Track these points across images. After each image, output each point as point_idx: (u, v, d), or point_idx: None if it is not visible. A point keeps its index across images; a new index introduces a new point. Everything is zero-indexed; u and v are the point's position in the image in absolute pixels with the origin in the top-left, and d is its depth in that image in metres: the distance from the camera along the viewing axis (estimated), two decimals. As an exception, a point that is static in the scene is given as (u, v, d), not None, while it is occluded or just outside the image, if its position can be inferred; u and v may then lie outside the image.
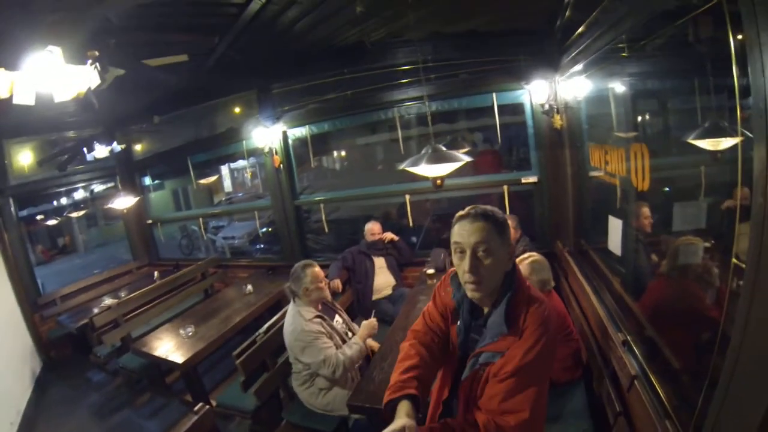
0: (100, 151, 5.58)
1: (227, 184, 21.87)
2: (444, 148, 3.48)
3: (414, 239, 5.78)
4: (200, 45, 4.15)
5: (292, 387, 3.44)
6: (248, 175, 19.95)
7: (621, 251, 3.10)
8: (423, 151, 3.49)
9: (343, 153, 15.40)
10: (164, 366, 4.43)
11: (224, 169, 20.60)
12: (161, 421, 4.45)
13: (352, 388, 3.04)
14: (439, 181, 3.77)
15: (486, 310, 1.75)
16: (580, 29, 3.36)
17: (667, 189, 2.71)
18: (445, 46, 4.66)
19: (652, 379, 2.12)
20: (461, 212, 1.69)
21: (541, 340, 1.54)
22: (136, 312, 5.33)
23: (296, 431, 3.22)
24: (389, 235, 5.14)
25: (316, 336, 3.06)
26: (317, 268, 3.32)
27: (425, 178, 3.82)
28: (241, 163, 18.85)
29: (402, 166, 3.56)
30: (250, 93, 5.90)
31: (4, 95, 2.62)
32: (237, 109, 6.44)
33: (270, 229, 8.91)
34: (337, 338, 3.22)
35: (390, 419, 1.60)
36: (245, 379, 3.30)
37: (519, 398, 1.50)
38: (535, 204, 4.89)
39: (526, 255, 3.14)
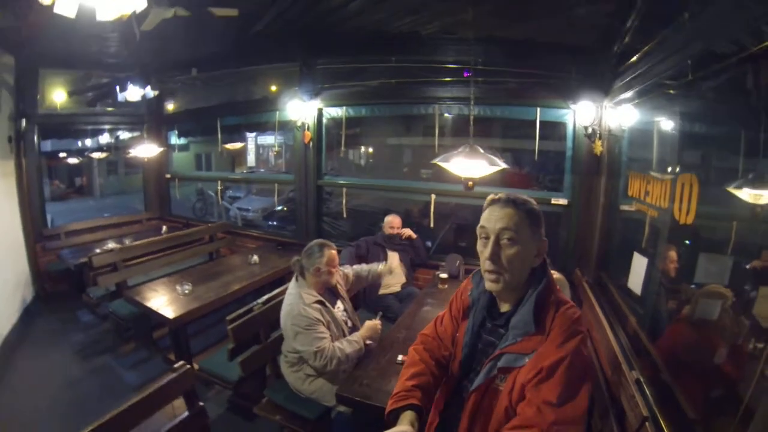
0: (133, 93, 5.48)
1: (251, 159, 21.80)
2: (481, 150, 3.33)
3: (429, 243, 5.59)
4: (254, 4, 4.04)
5: (278, 365, 3.30)
6: (273, 153, 19.87)
7: (641, 291, 2.96)
8: (460, 148, 3.36)
9: (371, 149, 15.20)
10: (154, 319, 4.30)
11: (250, 144, 20.55)
12: (141, 373, 4.37)
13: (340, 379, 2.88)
14: (470, 183, 3.63)
15: (506, 308, 1.58)
16: (637, 56, 3.21)
17: (687, 242, 2.58)
18: (496, 51, 4.48)
19: (663, 424, 1.96)
20: (493, 196, 1.56)
21: (575, 338, 1.39)
22: (136, 260, 5.23)
23: (277, 411, 3.05)
24: (408, 232, 4.98)
25: (313, 323, 2.87)
26: (335, 251, 3.16)
27: (456, 179, 3.68)
28: (267, 140, 18.94)
29: (436, 160, 3.44)
30: (293, 65, 5.73)
31: (47, 2, 2.50)
32: (276, 79, 6.33)
33: (285, 208, 8.80)
34: (334, 328, 3.02)
35: (391, 427, 1.49)
36: (234, 346, 3.15)
37: (570, 407, 1.31)
38: (561, 227, 4.70)
39: None
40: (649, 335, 2.73)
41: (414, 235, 5.00)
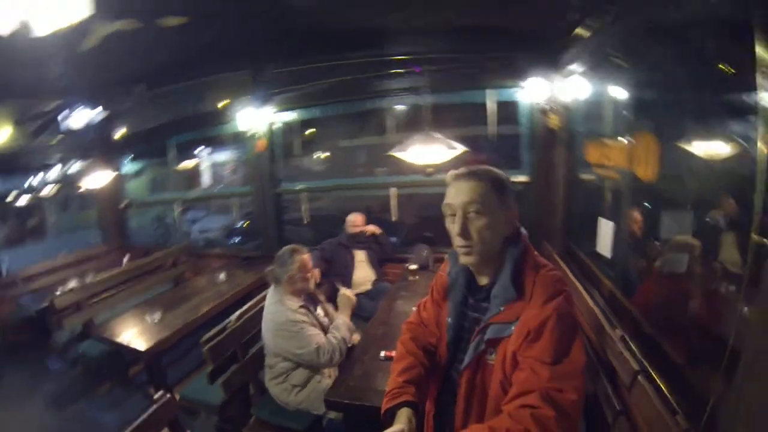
0: (77, 118, 5.22)
1: (206, 178, 21.38)
2: (438, 135, 3.31)
3: (393, 239, 5.54)
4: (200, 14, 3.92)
5: (261, 381, 3.21)
6: (228, 170, 19.52)
7: (611, 253, 3.01)
8: (416, 136, 3.33)
9: (324, 154, 15.10)
10: (127, 355, 4.16)
11: (204, 163, 20.16)
12: (121, 413, 4.20)
13: (327, 384, 2.83)
14: (429, 169, 3.60)
15: (485, 281, 1.57)
16: (583, 28, 3.28)
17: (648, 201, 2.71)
18: (445, 40, 4.43)
19: (655, 375, 2.00)
20: (454, 171, 1.58)
21: (558, 296, 1.37)
22: (101, 296, 5.05)
23: (266, 428, 2.97)
24: (372, 228, 4.93)
25: (303, 324, 2.84)
26: (306, 256, 3.08)
27: (415, 170, 3.64)
28: (221, 157, 18.62)
29: (392, 151, 3.40)
30: (244, 73, 5.60)
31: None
32: (228, 89, 6.13)
33: (246, 224, 8.63)
34: (320, 330, 2.97)
35: (388, 426, 1.44)
36: (213, 368, 3.04)
37: (565, 363, 1.29)
38: (523, 204, 4.69)
39: None
40: (625, 294, 2.78)
41: (378, 231, 4.96)
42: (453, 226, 1.48)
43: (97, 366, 4.57)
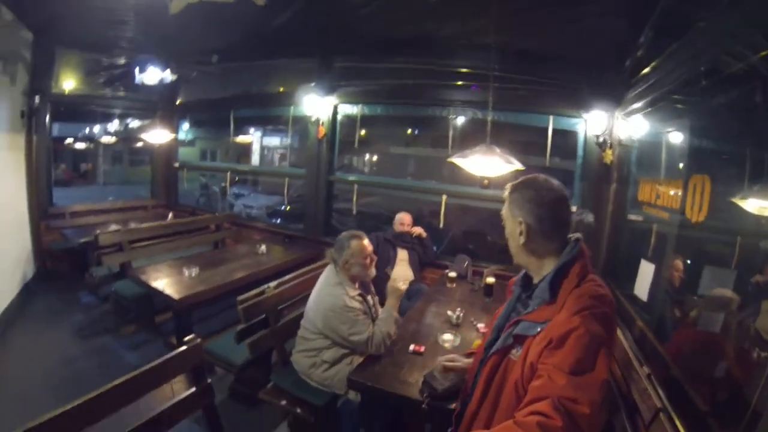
0: (151, 75, 5.39)
1: (255, 159, 21.75)
2: (498, 150, 3.30)
3: (434, 247, 5.53)
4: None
5: (286, 351, 3.23)
6: (278, 155, 19.79)
7: (647, 297, 2.97)
8: (477, 147, 3.32)
9: (375, 158, 15.13)
10: (158, 302, 4.25)
11: (255, 144, 20.51)
12: (140, 355, 4.30)
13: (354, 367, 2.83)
14: (486, 181, 3.59)
15: (536, 281, 1.57)
16: (649, 68, 3.33)
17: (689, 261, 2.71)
18: (512, 59, 4.47)
19: (675, 415, 1.93)
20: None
21: (590, 310, 1.31)
22: (142, 243, 5.16)
23: (283, 396, 2.96)
24: (419, 230, 4.93)
25: (359, 313, 2.86)
26: (365, 242, 3.06)
27: (469, 181, 3.63)
28: (273, 141, 18.89)
29: (453, 158, 3.40)
30: (310, 61, 5.77)
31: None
32: (293, 74, 6.27)
33: (288, 208, 8.71)
34: (371, 320, 2.98)
35: None
36: (243, 327, 3.07)
37: (584, 376, 1.22)
38: (570, 235, 4.63)
39: None
40: (657, 337, 2.74)
41: (424, 234, 4.95)
42: None
43: (127, 306, 4.67)
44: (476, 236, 6.06)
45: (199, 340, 2.21)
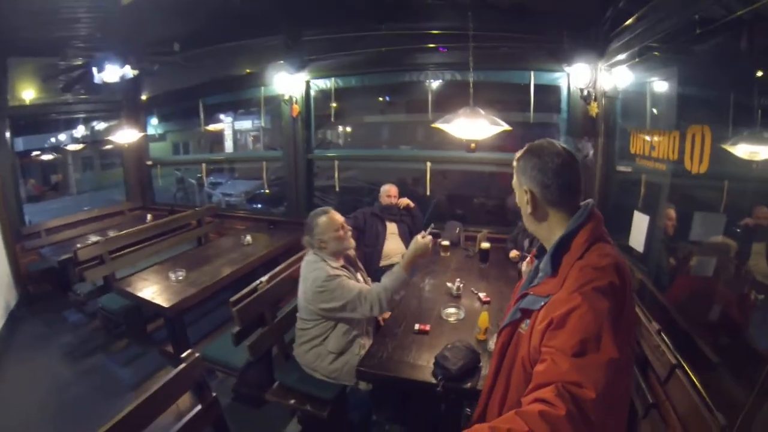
0: (111, 73, 5.11)
1: (228, 145, 21.41)
2: (482, 111, 3.16)
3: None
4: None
5: (287, 346, 3.12)
6: (251, 138, 19.49)
7: (643, 248, 2.95)
8: (461, 110, 3.18)
9: (349, 129, 14.89)
10: (147, 311, 4.11)
11: (227, 129, 20.18)
12: (136, 370, 4.16)
13: (362, 356, 2.72)
14: (473, 144, 3.47)
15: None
16: (633, 19, 3.27)
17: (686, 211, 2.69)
18: (489, 17, 4.30)
19: (691, 371, 1.92)
20: None
21: (590, 284, 1.21)
22: (123, 252, 4.95)
23: (290, 395, 2.84)
24: (406, 201, 4.78)
25: (343, 278, 2.72)
26: (332, 214, 2.91)
27: (453, 145, 3.50)
28: (244, 125, 18.56)
29: (436, 124, 3.27)
30: (277, 38, 5.50)
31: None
32: (261, 54, 5.98)
33: (268, 191, 8.51)
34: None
35: None
36: (239, 329, 2.94)
37: (589, 357, 1.11)
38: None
39: None
40: (658, 288, 2.75)
41: (412, 204, 4.81)
42: None
43: (116, 321, 4.52)
44: (462, 200, 5.94)
45: (197, 354, 2.07)
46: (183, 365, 1.98)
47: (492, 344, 2.41)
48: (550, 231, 1.43)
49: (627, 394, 1.27)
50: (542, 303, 1.30)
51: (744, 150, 1.94)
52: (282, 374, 2.98)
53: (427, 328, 2.75)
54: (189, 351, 2.06)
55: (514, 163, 1.50)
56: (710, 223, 2.33)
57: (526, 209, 1.46)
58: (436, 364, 2.24)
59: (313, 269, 2.76)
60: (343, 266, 2.85)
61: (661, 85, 3.17)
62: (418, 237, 2.72)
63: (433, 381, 2.21)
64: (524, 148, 1.49)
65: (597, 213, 1.41)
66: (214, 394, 2.12)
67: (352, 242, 2.99)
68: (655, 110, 3.20)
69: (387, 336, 2.68)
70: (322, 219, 2.86)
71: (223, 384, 3.68)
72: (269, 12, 4.80)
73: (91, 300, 4.91)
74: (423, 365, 2.36)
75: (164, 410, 1.89)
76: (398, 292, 2.69)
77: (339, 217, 2.93)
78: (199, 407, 2.05)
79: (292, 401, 2.81)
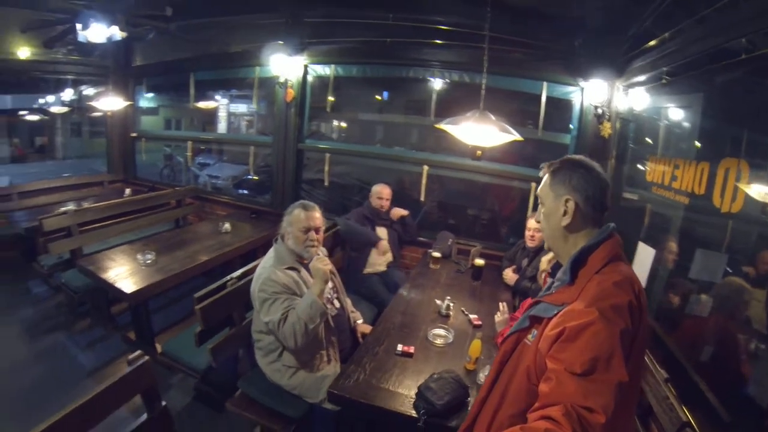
0: (96, 32, 4.72)
1: (221, 126, 21.15)
2: (492, 117, 2.93)
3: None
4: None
5: (254, 352, 2.83)
6: (245, 122, 19.29)
7: (646, 283, 2.78)
8: (470, 113, 2.95)
9: (343, 124, 14.69)
10: (111, 293, 3.81)
11: (221, 111, 19.94)
12: (96, 354, 3.89)
13: (326, 371, 2.50)
14: (479, 152, 3.25)
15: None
16: (656, 41, 3.16)
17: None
18: (504, 18, 4.01)
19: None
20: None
21: (607, 300, 1.19)
22: (94, 225, 4.66)
23: (254, 408, 2.58)
24: (399, 212, 4.49)
25: (280, 290, 2.43)
26: (312, 213, 2.65)
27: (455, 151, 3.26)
28: (239, 108, 18.31)
29: (441, 124, 3.03)
30: (278, 16, 5.22)
31: None
32: (259, 31, 5.67)
33: (257, 177, 8.23)
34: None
35: None
36: (202, 330, 2.67)
37: (597, 377, 1.09)
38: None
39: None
40: (663, 329, 2.66)
41: (406, 213, 4.53)
42: None
43: (79, 299, 4.22)
44: (455, 210, 5.69)
45: (145, 358, 1.83)
46: (128, 370, 1.77)
47: (482, 377, 2.20)
48: (575, 245, 1.42)
49: (630, 419, 1.30)
50: (555, 312, 1.29)
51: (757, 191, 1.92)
52: (246, 383, 2.70)
53: (412, 350, 2.51)
54: (137, 353, 1.84)
55: (546, 175, 1.49)
56: (711, 264, 2.29)
57: (559, 221, 1.43)
58: (419, 396, 2.01)
59: (263, 264, 2.54)
60: (291, 268, 2.57)
61: (684, 113, 3.08)
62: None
63: (414, 414, 1.98)
64: (563, 159, 1.48)
65: (617, 234, 1.41)
66: (163, 404, 1.90)
67: (312, 253, 2.65)
68: (685, 140, 3.04)
69: (365, 355, 2.43)
70: (299, 211, 2.63)
71: (185, 381, 3.43)
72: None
73: (55, 273, 4.61)
74: (404, 394, 2.13)
75: (108, 414, 1.68)
76: (314, 320, 2.36)
77: (317, 222, 2.66)
78: (144, 416, 1.84)
79: (254, 416, 2.55)
